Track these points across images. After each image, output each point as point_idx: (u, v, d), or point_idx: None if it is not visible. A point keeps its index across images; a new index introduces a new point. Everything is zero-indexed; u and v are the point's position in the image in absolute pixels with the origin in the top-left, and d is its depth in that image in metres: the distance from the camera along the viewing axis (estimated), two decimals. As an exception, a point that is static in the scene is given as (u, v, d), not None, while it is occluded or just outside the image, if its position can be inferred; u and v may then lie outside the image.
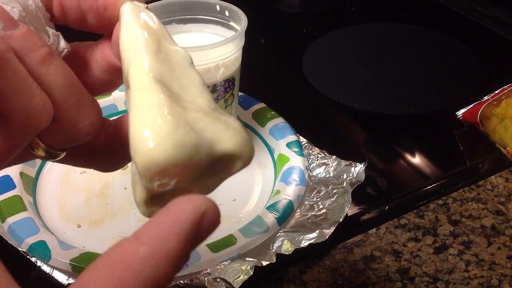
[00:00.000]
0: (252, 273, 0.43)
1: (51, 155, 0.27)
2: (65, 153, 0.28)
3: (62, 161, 0.29)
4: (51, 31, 0.26)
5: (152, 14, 0.27)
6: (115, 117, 0.30)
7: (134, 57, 0.25)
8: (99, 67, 0.28)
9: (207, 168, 0.24)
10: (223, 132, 0.23)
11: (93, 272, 0.20)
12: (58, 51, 0.26)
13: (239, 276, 0.43)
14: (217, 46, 0.49)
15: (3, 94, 0.23)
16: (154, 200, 0.24)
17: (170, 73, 0.24)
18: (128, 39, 0.25)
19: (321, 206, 0.50)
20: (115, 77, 0.28)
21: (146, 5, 0.27)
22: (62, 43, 0.26)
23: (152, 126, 0.22)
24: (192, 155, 0.22)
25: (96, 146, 0.28)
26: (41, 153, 0.27)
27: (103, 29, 0.28)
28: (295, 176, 0.52)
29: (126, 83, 0.25)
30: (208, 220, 0.21)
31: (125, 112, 0.41)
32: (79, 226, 0.51)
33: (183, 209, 0.21)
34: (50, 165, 0.57)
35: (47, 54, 0.24)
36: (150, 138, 0.21)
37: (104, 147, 0.28)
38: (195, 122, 0.23)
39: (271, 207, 0.49)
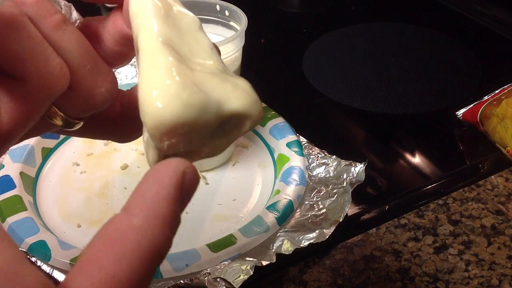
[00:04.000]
0: (252, 273, 0.43)
1: (68, 124, 0.27)
2: (82, 123, 0.28)
3: (79, 133, 0.29)
4: (63, 2, 0.26)
5: None
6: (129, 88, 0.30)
7: (142, 22, 0.25)
8: (112, 38, 0.28)
9: (217, 128, 0.24)
10: (232, 92, 0.23)
11: (93, 251, 0.20)
12: (71, 22, 0.26)
13: (239, 276, 0.43)
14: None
15: (19, 58, 0.23)
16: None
17: (179, 37, 0.25)
18: (136, 5, 0.25)
19: (321, 206, 0.50)
20: (128, 47, 0.28)
21: None
22: (75, 14, 0.27)
23: (160, 87, 0.22)
24: (200, 115, 0.22)
25: (112, 117, 0.29)
26: (58, 121, 0.27)
27: (115, 1, 0.28)
28: (295, 176, 0.52)
29: (136, 49, 0.25)
30: (189, 178, 0.22)
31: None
32: (79, 226, 0.51)
33: (163, 174, 0.21)
34: (50, 165, 0.57)
35: (61, 21, 0.24)
36: (158, 98, 0.22)
37: (120, 117, 0.28)
38: (203, 83, 0.23)
39: (271, 207, 0.49)
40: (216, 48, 0.26)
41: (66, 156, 0.58)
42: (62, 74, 0.24)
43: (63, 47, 0.24)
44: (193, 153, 0.24)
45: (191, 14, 0.26)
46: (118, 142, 0.31)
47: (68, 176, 0.56)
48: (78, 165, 0.57)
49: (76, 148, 0.59)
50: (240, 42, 0.52)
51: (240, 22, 0.52)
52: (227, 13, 0.54)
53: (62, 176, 0.56)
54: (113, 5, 0.28)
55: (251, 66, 0.66)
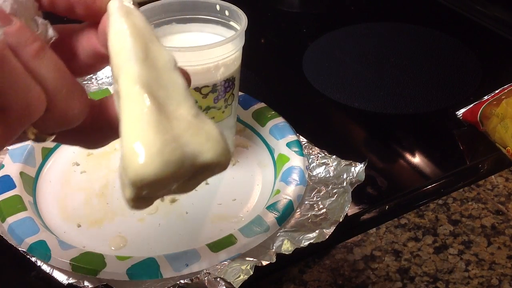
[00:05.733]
0: (252, 273, 0.43)
1: (41, 138, 0.29)
2: (54, 137, 0.29)
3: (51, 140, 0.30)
4: (39, 20, 0.27)
5: (139, 13, 0.28)
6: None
7: (123, 64, 0.26)
8: (85, 53, 0.29)
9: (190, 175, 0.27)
10: (205, 143, 0.26)
11: None
12: (46, 39, 0.27)
13: (239, 276, 0.43)
14: (217, 46, 0.49)
15: (1, 90, 0.24)
16: (140, 198, 0.27)
17: (156, 81, 0.27)
18: (117, 42, 0.27)
19: (321, 206, 0.50)
20: (99, 62, 0.30)
21: (131, 1, 0.28)
22: (50, 32, 0.27)
23: (143, 143, 0.25)
24: (178, 169, 0.25)
25: (82, 126, 0.30)
26: (31, 136, 0.28)
27: (90, 19, 0.29)
28: (295, 176, 0.52)
29: (115, 81, 0.27)
30: None
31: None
32: (79, 226, 0.51)
33: None
34: (50, 165, 0.57)
35: (40, 48, 0.25)
36: (141, 154, 0.24)
37: (90, 126, 0.30)
38: (180, 136, 0.25)
39: (271, 207, 0.49)
40: (188, 79, 0.28)
41: (66, 156, 0.58)
42: (39, 102, 0.25)
43: (41, 74, 0.25)
44: (165, 193, 0.27)
45: (166, 52, 0.28)
46: (88, 148, 0.32)
47: (68, 176, 0.56)
48: (78, 165, 0.57)
49: (76, 148, 0.59)
50: (240, 42, 0.52)
51: (240, 22, 0.52)
52: (227, 13, 0.54)
53: (62, 176, 0.56)
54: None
55: (251, 66, 0.66)
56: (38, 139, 0.28)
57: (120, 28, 0.27)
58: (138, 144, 0.25)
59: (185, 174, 0.26)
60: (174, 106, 0.26)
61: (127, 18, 0.27)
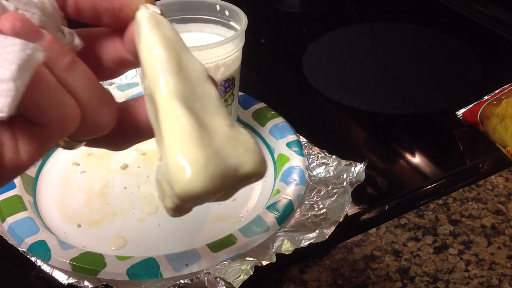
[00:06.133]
0: (252, 273, 0.43)
1: (71, 146, 0.29)
2: (84, 143, 0.29)
3: None
4: (66, 29, 0.27)
5: (168, 23, 0.28)
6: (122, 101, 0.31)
7: (158, 77, 0.27)
8: (109, 59, 0.29)
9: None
10: (244, 155, 0.27)
11: None
12: (73, 48, 0.27)
13: (239, 276, 0.43)
14: (217, 46, 0.49)
15: (39, 109, 0.24)
16: (181, 208, 0.28)
17: (192, 93, 0.27)
18: (150, 55, 0.27)
19: (321, 206, 0.50)
20: (123, 68, 0.30)
21: (160, 10, 0.28)
22: (76, 41, 0.27)
23: (189, 159, 0.25)
24: (222, 182, 0.26)
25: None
26: (62, 143, 0.28)
27: (116, 27, 0.29)
28: (295, 176, 0.52)
29: (148, 93, 0.27)
30: None
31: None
32: (79, 226, 0.51)
33: None
34: (50, 165, 0.57)
35: (72, 61, 0.25)
36: (187, 170, 0.25)
37: (115, 130, 0.29)
38: (221, 149, 0.26)
39: (271, 207, 0.49)
40: (214, 82, 0.29)
41: (66, 156, 0.58)
42: (75, 114, 0.25)
43: (74, 86, 0.25)
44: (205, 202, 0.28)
45: (198, 61, 0.28)
46: (111, 150, 0.32)
47: (68, 176, 0.56)
48: (78, 165, 0.57)
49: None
50: (240, 42, 0.52)
51: (240, 22, 0.52)
52: (227, 13, 0.54)
53: (62, 176, 0.56)
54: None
55: (251, 66, 0.66)
56: (68, 146, 0.29)
57: (152, 40, 0.27)
58: (184, 160, 0.25)
59: (227, 186, 0.27)
60: (210, 117, 0.27)
61: (158, 30, 0.27)
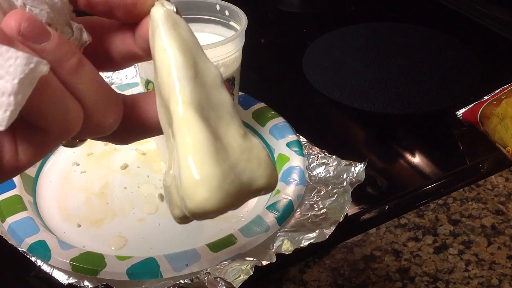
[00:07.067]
0: (252, 273, 0.43)
1: (71, 144, 0.29)
2: (85, 141, 0.29)
3: None
4: (74, 24, 0.26)
5: (184, 23, 0.27)
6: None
7: (173, 84, 0.26)
8: (118, 51, 0.28)
9: None
10: (257, 170, 0.27)
11: None
12: (81, 43, 0.27)
13: (239, 276, 0.43)
14: (217, 45, 0.49)
15: (42, 113, 0.23)
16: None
17: (207, 101, 0.27)
18: (165, 59, 0.26)
19: (321, 206, 0.50)
20: (131, 61, 0.29)
21: (176, 8, 0.27)
22: (85, 36, 0.27)
23: (204, 176, 0.25)
24: (236, 199, 0.26)
25: None
26: (63, 142, 0.28)
27: (129, 21, 0.28)
28: (295, 176, 0.52)
29: (160, 94, 0.27)
30: None
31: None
32: (79, 226, 0.51)
33: None
34: (50, 165, 0.57)
35: (79, 63, 0.25)
36: (202, 188, 0.25)
37: (120, 126, 0.29)
38: (236, 165, 0.26)
39: (271, 207, 0.49)
40: (228, 87, 0.28)
41: (66, 156, 0.58)
42: (79, 118, 0.25)
43: (79, 89, 0.25)
44: None
45: (213, 66, 0.27)
46: (116, 144, 0.31)
47: (68, 176, 0.56)
48: (78, 165, 0.57)
49: (76, 148, 0.59)
50: (240, 42, 0.52)
51: (240, 22, 0.52)
52: (227, 13, 0.54)
53: (62, 176, 0.56)
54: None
55: (251, 66, 0.66)
56: (69, 145, 0.28)
57: (169, 43, 0.26)
58: (200, 177, 0.25)
59: (240, 201, 0.27)
60: (225, 127, 0.27)
61: (175, 31, 0.26)
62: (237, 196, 0.26)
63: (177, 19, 0.27)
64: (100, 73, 0.27)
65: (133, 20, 0.27)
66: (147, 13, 0.27)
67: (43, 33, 0.23)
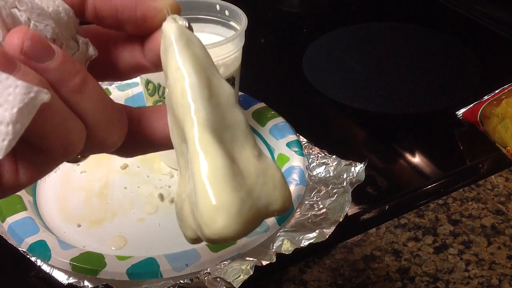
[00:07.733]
0: (252, 273, 0.43)
1: (74, 160, 0.28)
2: (88, 157, 0.29)
3: None
4: (80, 39, 0.26)
5: (197, 39, 0.26)
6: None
7: (188, 105, 0.25)
8: (125, 63, 0.28)
9: None
10: (273, 193, 0.26)
11: None
12: (86, 57, 0.26)
13: (239, 276, 0.43)
14: (217, 45, 0.49)
15: (42, 135, 0.23)
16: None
17: (222, 122, 0.26)
18: (179, 79, 0.25)
19: (321, 206, 0.50)
20: (138, 73, 0.29)
21: (188, 23, 0.26)
22: (91, 50, 0.26)
23: (221, 203, 0.24)
24: (253, 225, 0.26)
25: None
26: None
27: (139, 34, 0.27)
28: (295, 176, 0.52)
29: (173, 112, 0.26)
30: None
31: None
32: (79, 226, 0.51)
33: None
34: (50, 165, 0.57)
35: (83, 81, 0.24)
36: (220, 217, 0.24)
37: (126, 141, 0.28)
38: (253, 190, 0.26)
39: (271, 207, 0.49)
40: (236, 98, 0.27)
41: (66, 156, 0.58)
42: (81, 138, 0.24)
43: (82, 108, 0.24)
44: None
45: (226, 84, 0.27)
46: (121, 157, 0.31)
47: (68, 176, 0.56)
48: (78, 165, 0.57)
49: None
50: (240, 42, 0.52)
51: (240, 22, 0.52)
52: (227, 13, 0.54)
53: (62, 176, 0.56)
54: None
55: (251, 66, 0.66)
56: (71, 160, 0.27)
57: (183, 63, 0.25)
58: (218, 204, 0.24)
59: (256, 225, 0.26)
60: (239, 148, 0.26)
61: (188, 50, 0.25)
62: (254, 221, 0.26)
63: (190, 36, 0.26)
64: None
65: (143, 33, 0.27)
66: (157, 27, 0.26)
67: (47, 52, 0.23)
